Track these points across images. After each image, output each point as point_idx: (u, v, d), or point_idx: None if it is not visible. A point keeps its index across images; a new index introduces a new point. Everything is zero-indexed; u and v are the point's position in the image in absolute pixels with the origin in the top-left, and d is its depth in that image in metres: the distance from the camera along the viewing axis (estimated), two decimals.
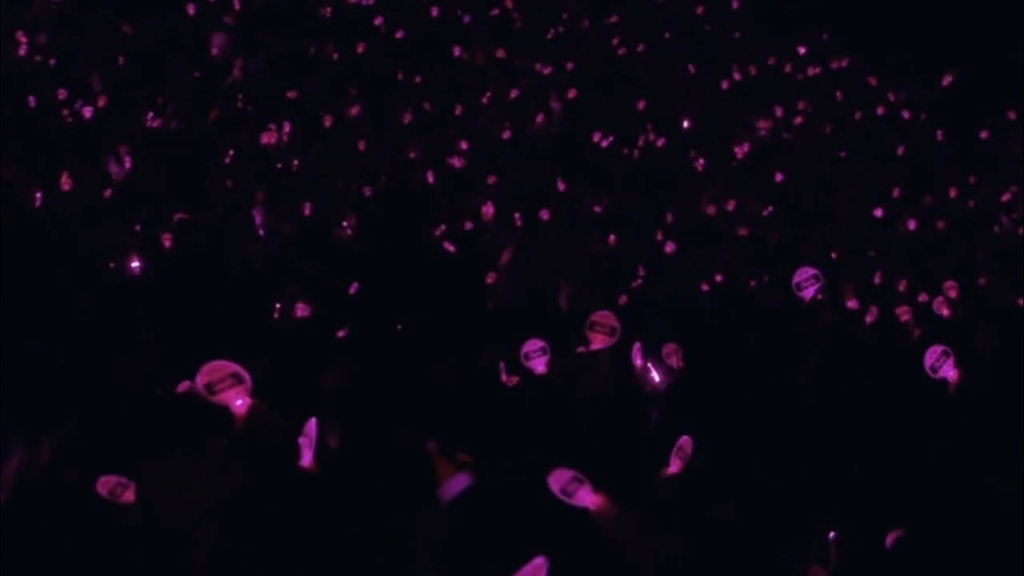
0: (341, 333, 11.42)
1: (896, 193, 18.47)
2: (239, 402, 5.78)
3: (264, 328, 11.64)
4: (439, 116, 18.04)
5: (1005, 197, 18.41)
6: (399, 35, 19.53)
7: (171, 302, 11.50)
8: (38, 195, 13.13)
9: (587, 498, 5.41)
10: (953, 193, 18.56)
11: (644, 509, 5.80)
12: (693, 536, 5.69)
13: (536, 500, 5.48)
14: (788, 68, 21.22)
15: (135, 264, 12.52)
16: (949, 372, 8.11)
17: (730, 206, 17.34)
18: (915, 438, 7.44)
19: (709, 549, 5.70)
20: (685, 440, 6.32)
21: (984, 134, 19.84)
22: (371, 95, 17.93)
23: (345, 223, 14.89)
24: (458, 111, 18.26)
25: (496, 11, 20.82)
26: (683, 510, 6.13)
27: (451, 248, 14.87)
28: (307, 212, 14.79)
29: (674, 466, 6.25)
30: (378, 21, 19.71)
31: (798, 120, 19.95)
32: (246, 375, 5.79)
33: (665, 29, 21.69)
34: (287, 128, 16.55)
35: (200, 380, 5.75)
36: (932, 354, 8.25)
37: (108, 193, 14.10)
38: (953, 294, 14.01)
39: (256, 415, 5.89)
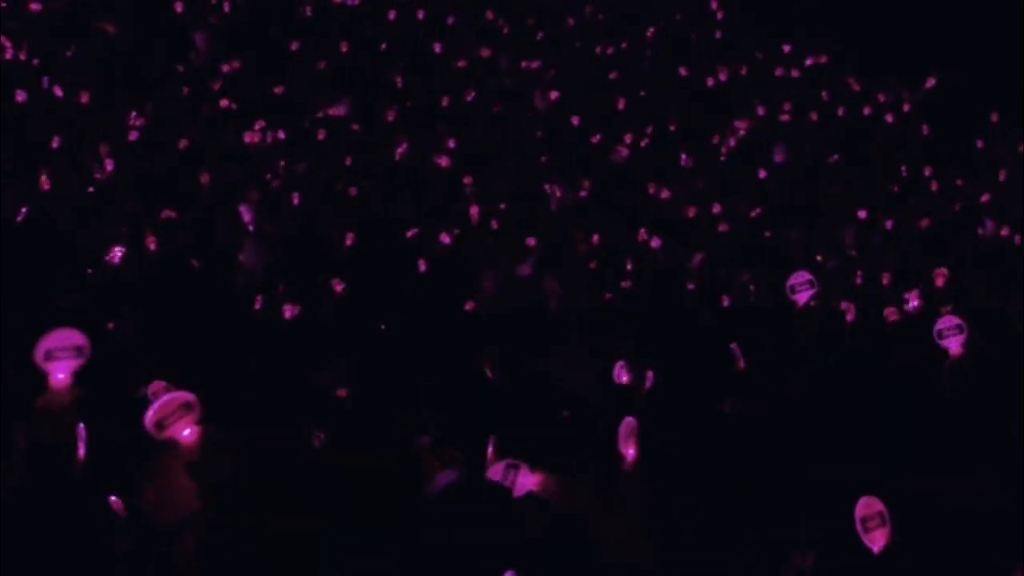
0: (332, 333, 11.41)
1: (880, 194, 18.49)
2: (186, 432, 5.84)
3: (255, 327, 11.62)
4: (426, 115, 18.00)
5: (984, 198, 18.44)
6: (385, 34, 19.50)
7: (160, 301, 11.47)
8: (27, 194, 13.07)
9: (527, 482, 5.34)
10: (937, 195, 18.60)
11: (629, 507, 5.80)
12: (682, 535, 5.69)
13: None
14: (773, 68, 21.24)
15: (118, 253, 12.45)
16: (954, 345, 8.10)
17: (715, 204, 17.36)
18: (903, 436, 7.47)
19: (703, 548, 5.71)
20: (628, 422, 6.21)
21: (969, 135, 19.89)
22: (357, 94, 17.89)
23: (336, 224, 14.81)
24: (444, 112, 18.23)
25: (481, 12, 20.81)
26: (672, 508, 6.13)
27: (447, 240, 14.83)
28: (295, 212, 14.75)
29: (630, 451, 6.14)
30: (363, 21, 19.68)
31: (783, 119, 19.96)
32: (195, 401, 5.86)
33: (649, 27, 21.72)
34: (270, 127, 16.49)
35: (150, 419, 5.80)
36: (946, 321, 8.22)
37: (95, 193, 14.00)
38: (941, 282, 14.02)
39: (208, 440, 5.92)
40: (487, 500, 5.33)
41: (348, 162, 16.44)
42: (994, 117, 19.96)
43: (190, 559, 5.45)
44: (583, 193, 17.18)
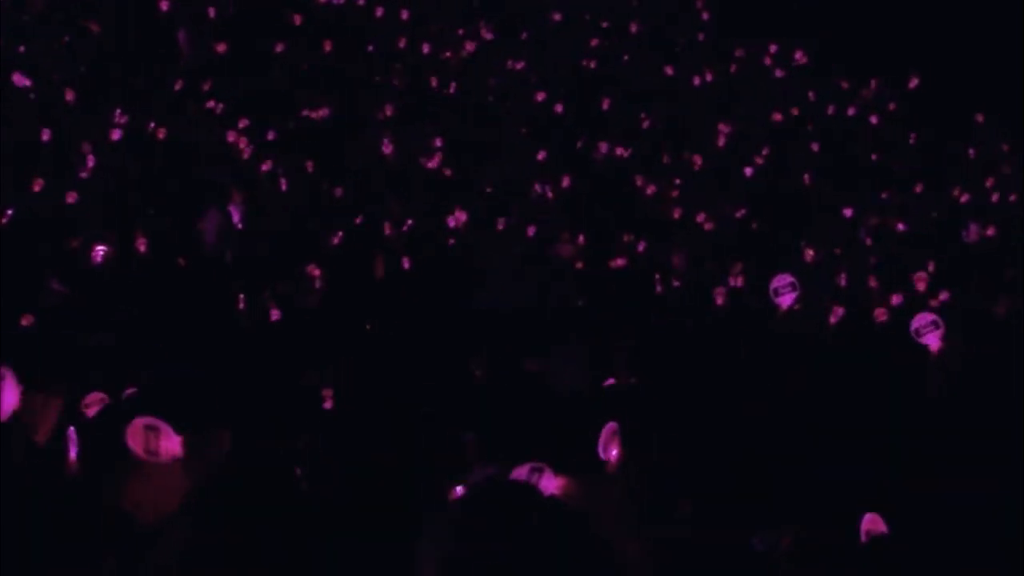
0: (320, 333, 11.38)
1: (867, 195, 18.53)
2: (175, 447, 5.63)
3: (242, 329, 11.58)
4: (413, 115, 17.97)
5: (964, 198, 18.50)
6: (373, 34, 19.48)
7: (147, 302, 11.42)
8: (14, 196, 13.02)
9: (550, 485, 5.30)
10: (924, 196, 18.65)
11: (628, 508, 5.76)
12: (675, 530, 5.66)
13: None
14: (760, 69, 21.29)
15: (101, 252, 12.37)
16: (933, 341, 8.13)
17: (701, 205, 17.37)
18: (901, 435, 7.47)
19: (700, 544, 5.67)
20: (610, 426, 6.17)
21: (954, 136, 19.96)
22: (344, 95, 17.84)
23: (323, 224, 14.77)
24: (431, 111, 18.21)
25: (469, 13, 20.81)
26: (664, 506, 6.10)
27: (454, 226, 14.82)
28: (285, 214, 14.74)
29: (613, 453, 6.08)
30: (349, 21, 19.65)
31: (772, 121, 19.99)
32: (151, 421, 5.61)
33: (635, 26, 21.73)
34: (255, 127, 16.44)
35: (139, 451, 5.59)
36: (921, 319, 8.26)
37: (80, 194, 13.92)
38: (921, 286, 14.07)
39: (194, 446, 5.76)
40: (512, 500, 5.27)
41: (336, 161, 16.41)
42: (979, 118, 20.02)
43: (175, 559, 5.37)
44: (567, 186, 17.21)
